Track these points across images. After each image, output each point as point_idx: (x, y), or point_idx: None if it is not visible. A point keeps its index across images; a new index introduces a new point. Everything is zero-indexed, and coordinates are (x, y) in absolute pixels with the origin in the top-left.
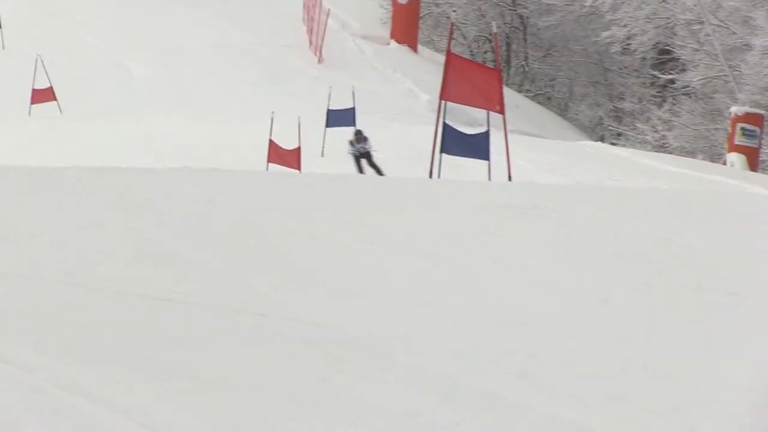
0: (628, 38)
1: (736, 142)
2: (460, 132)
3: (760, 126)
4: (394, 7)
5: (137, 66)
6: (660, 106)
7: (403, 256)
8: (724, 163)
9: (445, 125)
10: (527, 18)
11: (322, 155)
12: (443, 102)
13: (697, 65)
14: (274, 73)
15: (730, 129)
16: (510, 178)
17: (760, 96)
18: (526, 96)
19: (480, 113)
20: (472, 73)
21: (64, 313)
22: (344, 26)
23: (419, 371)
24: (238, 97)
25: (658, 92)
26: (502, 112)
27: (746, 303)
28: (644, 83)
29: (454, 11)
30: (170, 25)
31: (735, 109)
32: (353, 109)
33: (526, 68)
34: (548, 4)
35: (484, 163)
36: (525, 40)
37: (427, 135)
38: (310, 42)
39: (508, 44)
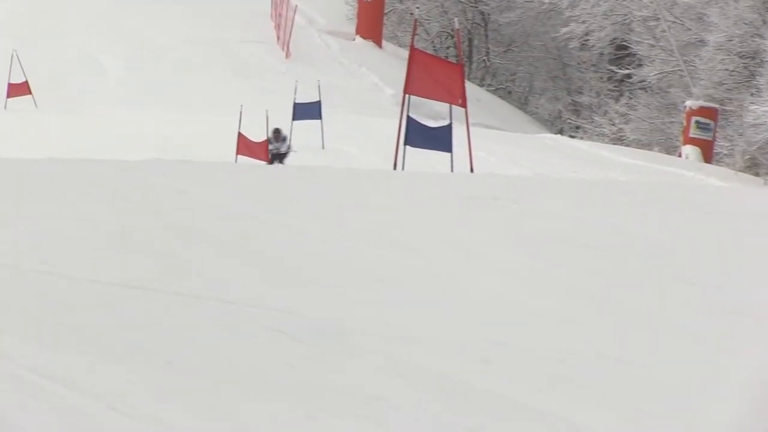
0: (587, 34)
1: (691, 135)
2: (424, 125)
3: (714, 119)
4: (359, 4)
5: (110, 61)
6: (617, 100)
7: (368, 245)
8: (680, 155)
9: (408, 118)
10: (488, 14)
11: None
12: (407, 96)
13: (653, 60)
14: (243, 68)
15: (685, 122)
16: (472, 170)
17: (713, 90)
18: (488, 90)
19: (443, 107)
20: (435, 67)
21: (39, 301)
22: (311, 22)
23: (384, 357)
24: (208, 90)
25: (615, 86)
26: (464, 105)
27: (704, 291)
28: (602, 78)
29: (418, 8)
30: (142, 21)
31: (690, 103)
32: (319, 102)
33: (488, 63)
34: (509, 1)
35: (447, 155)
36: (486, 36)
37: (391, 128)
38: (278, 38)
39: (470, 40)
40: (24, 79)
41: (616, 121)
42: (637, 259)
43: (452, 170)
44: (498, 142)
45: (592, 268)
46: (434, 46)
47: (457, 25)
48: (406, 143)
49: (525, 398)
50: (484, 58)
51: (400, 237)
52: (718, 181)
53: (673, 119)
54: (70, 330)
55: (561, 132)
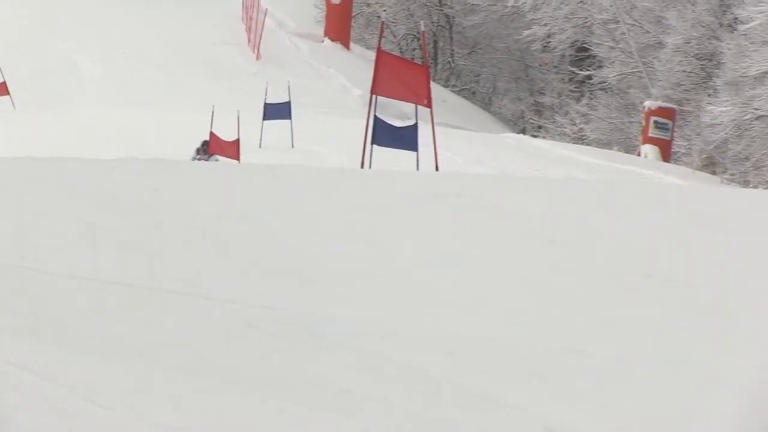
0: (548, 36)
1: (650, 135)
2: (390, 125)
3: (673, 119)
4: (327, 7)
5: (87, 62)
6: (578, 100)
7: (336, 241)
8: (639, 155)
9: (375, 118)
10: (453, 17)
11: (260, 146)
12: (374, 96)
13: (613, 62)
14: (215, 69)
15: (644, 122)
16: (437, 168)
17: (672, 91)
18: (453, 91)
19: (409, 107)
20: (402, 69)
21: (17, 295)
22: (281, 25)
23: (352, 350)
24: (182, 91)
25: (576, 87)
26: (429, 105)
27: (659, 285)
28: (563, 79)
29: (385, 11)
30: (118, 23)
31: (648, 104)
32: (289, 103)
33: (453, 65)
34: (473, 4)
35: (413, 154)
36: (451, 38)
37: (358, 127)
38: (249, 40)
39: (435, 42)
40: (2, 80)
41: (577, 121)
42: (598, 255)
43: (418, 169)
44: (462, 142)
45: (555, 263)
46: (401, 48)
47: (422, 28)
48: (373, 142)
49: (492, 391)
50: (449, 59)
51: (367, 233)
52: (676, 180)
53: (632, 119)
54: (48, 323)
55: (524, 131)
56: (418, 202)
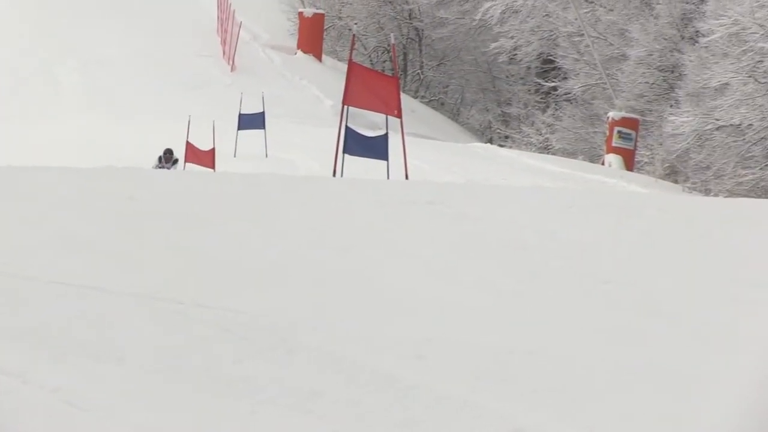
0: (515, 49)
1: (614, 144)
2: (361, 134)
3: (636, 129)
4: (300, 20)
5: (64, 73)
6: (544, 111)
7: (308, 247)
8: (603, 164)
9: (347, 128)
10: (422, 30)
11: (235, 156)
12: (345, 107)
13: (578, 74)
14: (191, 80)
15: (608, 132)
16: (407, 177)
17: (635, 102)
18: (422, 101)
19: (379, 117)
20: (372, 80)
21: None
22: (255, 37)
23: (324, 354)
24: (158, 102)
25: (542, 98)
26: (399, 116)
27: (619, 290)
28: (529, 90)
29: (356, 24)
30: (96, 36)
31: (612, 114)
32: (263, 113)
33: (422, 76)
34: (441, 18)
35: (384, 162)
36: (420, 50)
37: (330, 137)
38: (224, 52)
39: (405, 54)
40: None
41: (543, 131)
42: (562, 260)
43: (388, 177)
44: (432, 151)
45: (521, 268)
46: (371, 60)
47: (392, 41)
48: (344, 152)
49: (460, 393)
50: (418, 71)
51: (338, 240)
52: (639, 188)
53: (596, 129)
54: (29, 328)
55: (491, 141)
56: (389, 210)
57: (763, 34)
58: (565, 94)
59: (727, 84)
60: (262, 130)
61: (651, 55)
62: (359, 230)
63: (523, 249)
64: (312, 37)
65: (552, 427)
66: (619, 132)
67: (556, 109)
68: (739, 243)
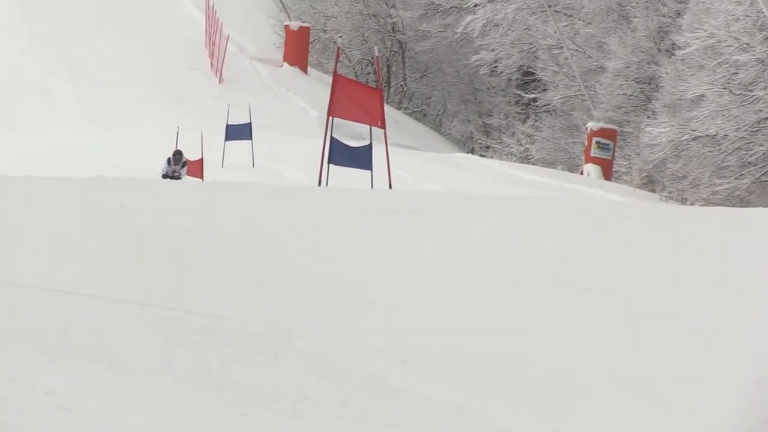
0: (496, 61)
1: (592, 154)
2: (346, 145)
3: (613, 140)
4: (286, 33)
5: (55, 85)
6: (524, 122)
7: (295, 255)
8: (581, 173)
9: (332, 139)
10: (405, 43)
11: (222, 166)
12: (330, 118)
13: (557, 85)
14: (180, 92)
15: (586, 142)
16: (390, 186)
17: (613, 113)
18: (405, 113)
19: (363, 128)
20: (357, 92)
21: None
22: (242, 50)
23: (311, 359)
24: (148, 113)
25: (522, 110)
26: (383, 126)
27: (599, 296)
28: (510, 101)
29: (340, 37)
30: (89, 48)
31: (591, 125)
32: (250, 124)
33: (405, 88)
34: (424, 31)
35: (368, 172)
36: (403, 62)
37: (316, 147)
38: (212, 64)
39: (389, 66)
40: None
41: (523, 142)
42: (542, 267)
43: (372, 186)
44: (415, 161)
45: (502, 275)
46: (356, 72)
47: (376, 53)
48: (329, 162)
49: (443, 396)
50: (402, 83)
51: (324, 247)
52: (617, 197)
53: (575, 140)
54: (24, 333)
55: (472, 151)
56: (373, 218)
57: (737, 47)
58: (545, 105)
59: (702, 95)
60: (250, 141)
61: (628, 67)
62: (344, 238)
63: (504, 257)
64: (298, 49)
65: (532, 429)
66: (597, 142)
67: (536, 120)
68: (715, 250)
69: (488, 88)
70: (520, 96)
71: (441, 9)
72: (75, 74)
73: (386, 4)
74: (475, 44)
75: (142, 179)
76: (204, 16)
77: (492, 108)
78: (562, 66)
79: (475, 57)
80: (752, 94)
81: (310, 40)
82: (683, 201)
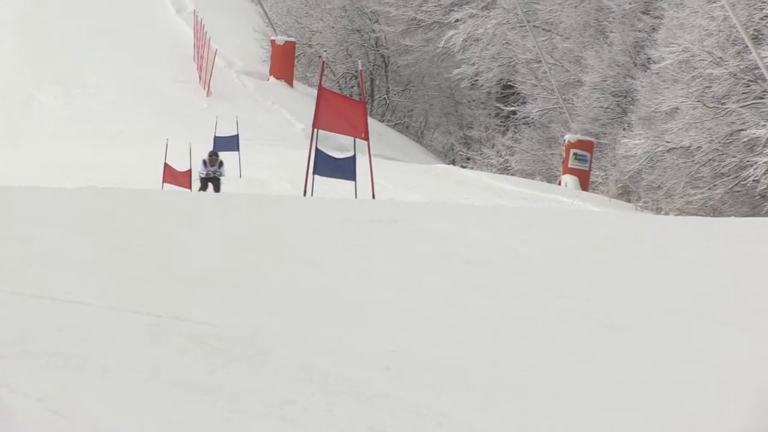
0: (476, 75)
1: (570, 165)
2: (330, 156)
3: (591, 151)
4: (273, 48)
5: (46, 97)
6: (503, 134)
7: (281, 263)
8: (559, 184)
9: (317, 150)
10: (388, 57)
11: None
12: (315, 130)
13: (536, 98)
14: (168, 104)
15: (564, 154)
16: (374, 196)
17: (590, 125)
18: (388, 125)
19: (347, 140)
20: (341, 104)
21: None
22: (229, 64)
23: (295, 364)
24: (137, 125)
25: (502, 122)
26: (366, 138)
27: (577, 303)
28: (490, 114)
29: (325, 51)
30: (77, 61)
31: (568, 137)
32: (237, 135)
33: (388, 101)
34: (406, 46)
35: (352, 183)
36: (386, 76)
37: (301, 158)
38: (200, 77)
39: (372, 80)
40: None
41: (503, 153)
42: (522, 275)
43: (356, 196)
44: (397, 172)
45: (481, 283)
46: (340, 86)
47: (360, 67)
48: (314, 172)
49: (424, 402)
50: (385, 96)
51: (309, 255)
52: (594, 207)
53: (553, 151)
54: (15, 339)
55: (453, 162)
56: (357, 227)
57: (711, 62)
58: (524, 117)
59: (677, 108)
60: (237, 152)
61: (605, 80)
62: (329, 246)
63: (484, 265)
64: (284, 63)
65: None
66: (574, 154)
67: (515, 132)
68: (689, 258)
69: (469, 101)
70: (500, 109)
71: (423, 24)
72: (65, 87)
73: (370, 20)
74: (456, 58)
75: (132, 189)
76: (192, 30)
77: (472, 120)
78: (541, 80)
79: (456, 71)
80: (725, 107)
81: (296, 54)
82: (658, 211)
